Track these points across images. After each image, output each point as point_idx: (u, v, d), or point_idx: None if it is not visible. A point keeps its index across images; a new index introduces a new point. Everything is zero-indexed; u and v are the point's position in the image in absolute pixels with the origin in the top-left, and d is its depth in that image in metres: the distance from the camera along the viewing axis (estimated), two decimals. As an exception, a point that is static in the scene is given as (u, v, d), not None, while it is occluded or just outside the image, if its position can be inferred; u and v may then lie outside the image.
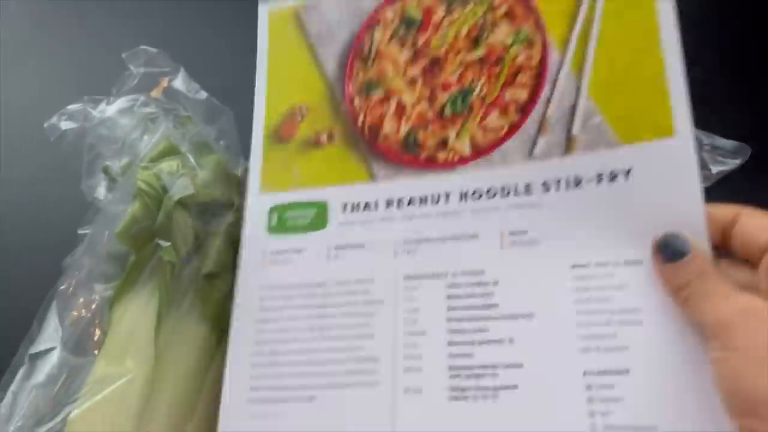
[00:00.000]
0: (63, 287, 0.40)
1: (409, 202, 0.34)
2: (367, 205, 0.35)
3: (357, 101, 0.37)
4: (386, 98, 0.36)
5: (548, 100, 0.33)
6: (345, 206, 0.35)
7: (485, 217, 0.33)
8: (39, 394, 0.36)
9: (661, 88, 0.31)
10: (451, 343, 0.31)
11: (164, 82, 0.46)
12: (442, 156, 0.34)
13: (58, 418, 0.34)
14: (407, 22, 0.37)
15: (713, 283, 0.26)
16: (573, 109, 0.32)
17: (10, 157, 0.56)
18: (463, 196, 0.33)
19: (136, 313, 0.37)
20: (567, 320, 0.29)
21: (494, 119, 0.34)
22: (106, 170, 0.42)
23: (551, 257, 0.31)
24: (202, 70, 0.49)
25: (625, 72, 0.32)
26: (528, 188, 0.32)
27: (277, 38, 0.40)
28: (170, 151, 0.41)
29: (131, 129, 0.43)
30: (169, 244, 0.37)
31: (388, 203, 0.34)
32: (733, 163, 0.40)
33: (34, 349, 0.38)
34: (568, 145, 0.32)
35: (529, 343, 0.30)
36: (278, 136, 0.38)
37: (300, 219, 0.36)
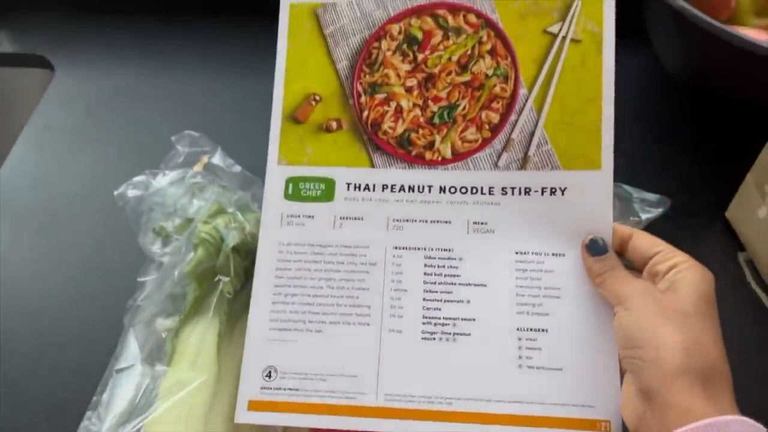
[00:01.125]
0: (135, 320, 0.49)
1: (400, 189, 0.44)
2: (367, 186, 0.45)
3: (363, 98, 0.46)
4: (387, 100, 0.46)
5: (513, 126, 0.44)
6: (349, 185, 0.45)
7: (457, 208, 0.44)
8: (125, 399, 0.45)
9: (597, 133, 0.42)
10: (425, 299, 0.42)
11: (204, 159, 0.58)
12: (428, 155, 0.45)
13: (140, 418, 0.43)
14: (410, 39, 0.46)
15: (621, 272, 0.40)
16: (531, 136, 0.44)
17: (79, 221, 0.66)
18: (442, 189, 0.44)
19: (201, 334, 0.46)
20: (509, 291, 0.42)
21: (471, 133, 0.44)
22: (160, 230, 0.52)
23: (502, 244, 0.43)
24: (235, 148, 0.60)
25: (573, 115, 0.43)
26: (491, 190, 0.44)
27: (296, 29, 0.47)
28: (220, 211, 0.52)
29: (181, 196, 0.53)
30: (228, 279, 0.47)
31: (384, 187, 0.45)
32: (657, 212, 0.54)
33: (118, 366, 0.48)
34: (524, 162, 0.44)
35: (481, 304, 0.42)
36: (294, 117, 0.46)
37: (312, 191, 0.45)
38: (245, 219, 0.51)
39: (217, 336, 0.46)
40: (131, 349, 0.47)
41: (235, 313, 0.48)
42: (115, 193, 0.55)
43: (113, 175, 0.57)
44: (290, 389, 0.42)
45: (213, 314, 0.47)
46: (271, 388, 0.42)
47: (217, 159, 0.58)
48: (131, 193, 0.55)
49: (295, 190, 0.45)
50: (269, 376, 0.42)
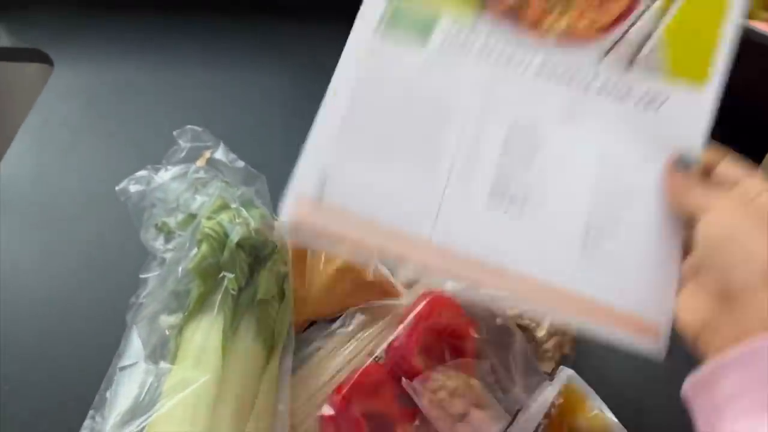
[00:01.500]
0: (138, 317, 0.48)
1: (497, 57, 0.42)
2: (464, 44, 0.42)
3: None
4: (509, -32, 0.43)
5: (633, 24, 0.42)
6: (446, 37, 0.42)
7: (552, 91, 0.42)
8: (129, 397, 0.44)
9: (712, 53, 0.41)
10: (499, 170, 0.41)
11: (207, 154, 0.57)
12: (535, 32, 0.43)
13: (145, 416, 0.42)
14: None
15: (705, 185, 0.38)
16: (647, 37, 0.42)
17: (80, 217, 0.66)
18: (543, 66, 0.42)
19: (206, 331, 0.46)
20: (588, 183, 0.41)
21: (586, 22, 0.43)
22: (163, 226, 0.52)
23: (587, 139, 0.42)
24: (239, 143, 0.59)
25: (693, 30, 0.42)
26: (589, 86, 0.42)
27: None
28: (224, 206, 0.51)
29: (183, 191, 0.53)
30: (233, 275, 0.47)
31: (481, 50, 0.42)
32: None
33: (122, 364, 0.47)
34: (631, 63, 0.42)
35: (556, 188, 0.41)
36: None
37: (409, 29, 0.42)
38: (249, 215, 0.51)
39: (221, 333, 0.46)
40: (134, 347, 0.46)
41: (240, 309, 0.47)
42: (117, 188, 0.54)
43: (114, 171, 0.56)
44: (344, 197, 0.39)
45: (217, 311, 0.46)
46: (323, 192, 0.39)
47: (220, 154, 0.57)
48: (133, 188, 0.53)
49: (391, 25, 0.43)
50: (324, 183, 0.40)
